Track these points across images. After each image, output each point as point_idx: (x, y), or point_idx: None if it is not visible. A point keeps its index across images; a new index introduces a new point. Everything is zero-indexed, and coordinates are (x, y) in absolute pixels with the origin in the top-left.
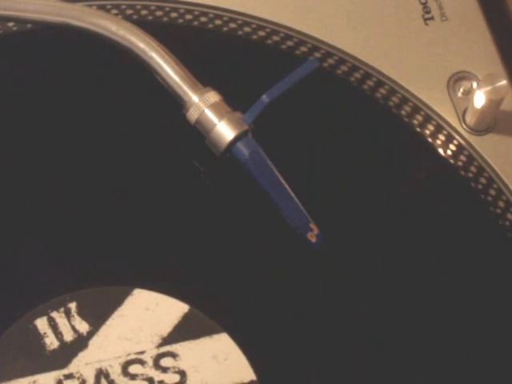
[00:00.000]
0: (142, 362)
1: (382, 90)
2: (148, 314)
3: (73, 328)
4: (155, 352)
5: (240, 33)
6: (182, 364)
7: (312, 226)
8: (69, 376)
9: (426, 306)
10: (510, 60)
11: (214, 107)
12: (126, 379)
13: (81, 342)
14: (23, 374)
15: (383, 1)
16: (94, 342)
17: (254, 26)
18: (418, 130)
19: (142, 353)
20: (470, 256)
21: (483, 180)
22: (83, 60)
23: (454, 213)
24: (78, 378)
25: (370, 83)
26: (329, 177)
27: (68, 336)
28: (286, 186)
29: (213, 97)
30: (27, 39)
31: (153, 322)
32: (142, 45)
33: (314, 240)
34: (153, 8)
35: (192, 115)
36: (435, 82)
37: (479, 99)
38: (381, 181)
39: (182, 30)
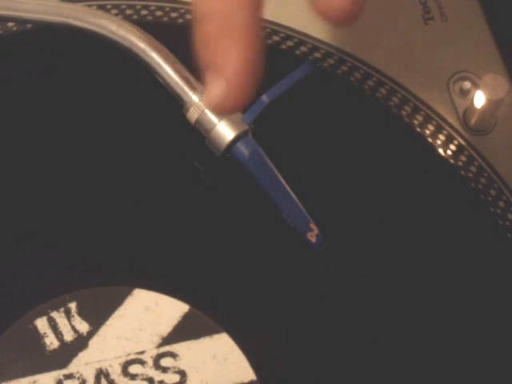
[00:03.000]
0: (141, 362)
1: (382, 90)
2: (148, 314)
3: (73, 328)
4: (155, 352)
5: None
6: (182, 364)
7: (312, 225)
8: (69, 376)
9: (425, 306)
10: (510, 60)
11: None
12: (126, 379)
13: (81, 342)
14: (23, 374)
15: (383, 0)
16: (93, 342)
17: None
18: (418, 130)
19: (141, 353)
20: (470, 256)
21: (483, 180)
22: (83, 60)
23: (454, 213)
24: (78, 378)
25: (370, 83)
26: (328, 177)
27: (68, 336)
28: (286, 185)
29: None
30: (27, 39)
31: (153, 322)
32: (141, 45)
33: (313, 240)
34: (153, 8)
35: (192, 115)
36: (435, 82)
37: (479, 99)
38: (380, 181)
39: (182, 29)
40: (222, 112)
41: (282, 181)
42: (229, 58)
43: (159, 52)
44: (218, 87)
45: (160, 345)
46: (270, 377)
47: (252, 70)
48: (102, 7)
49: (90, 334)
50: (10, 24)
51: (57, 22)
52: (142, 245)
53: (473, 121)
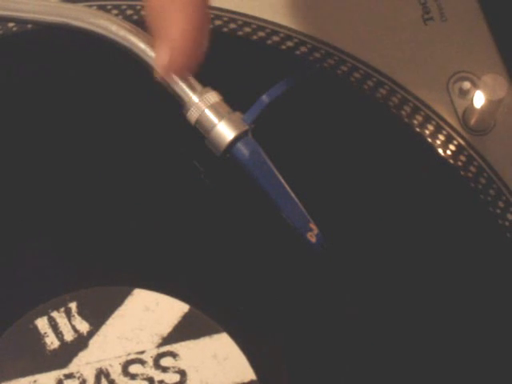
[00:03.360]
0: (142, 362)
1: (382, 90)
2: (148, 313)
3: (73, 328)
4: (155, 352)
5: (240, 33)
6: (182, 364)
7: (312, 225)
8: (69, 376)
9: (425, 306)
10: (510, 60)
11: (214, 107)
12: (126, 379)
13: (81, 342)
14: (23, 374)
15: (382, 1)
16: (94, 342)
17: (254, 26)
18: (418, 130)
19: (142, 352)
20: (470, 256)
21: (483, 180)
22: (83, 60)
23: (453, 213)
24: (79, 378)
25: (370, 83)
26: (328, 177)
27: (68, 336)
28: (286, 186)
29: (213, 97)
30: (27, 39)
31: (153, 322)
32: (141, 45)
33: (313, 240)
34: None
35: (192, 115)
36: (435, 82)
37: (479, 99)
38: (380, 181)
39: None
40: (169, 75)
41: (282, 181)
42: (172, 27)
43: None
44: (163, 52)
45: (160, 345)
46: (270, 377)
47: (194, 37)
48: (102, 7)
49: (91, 334)
50: (10, 24)
51: (57, 23)
52: (141, 245)
53: (472, 121)
